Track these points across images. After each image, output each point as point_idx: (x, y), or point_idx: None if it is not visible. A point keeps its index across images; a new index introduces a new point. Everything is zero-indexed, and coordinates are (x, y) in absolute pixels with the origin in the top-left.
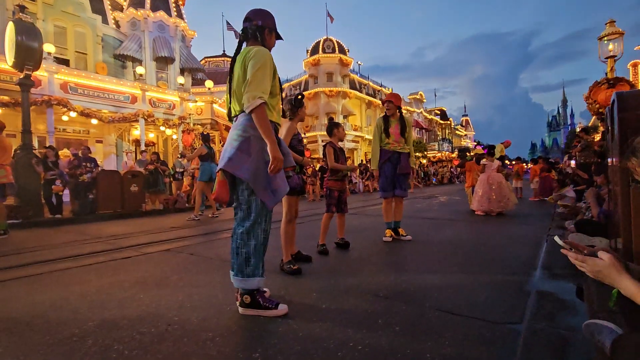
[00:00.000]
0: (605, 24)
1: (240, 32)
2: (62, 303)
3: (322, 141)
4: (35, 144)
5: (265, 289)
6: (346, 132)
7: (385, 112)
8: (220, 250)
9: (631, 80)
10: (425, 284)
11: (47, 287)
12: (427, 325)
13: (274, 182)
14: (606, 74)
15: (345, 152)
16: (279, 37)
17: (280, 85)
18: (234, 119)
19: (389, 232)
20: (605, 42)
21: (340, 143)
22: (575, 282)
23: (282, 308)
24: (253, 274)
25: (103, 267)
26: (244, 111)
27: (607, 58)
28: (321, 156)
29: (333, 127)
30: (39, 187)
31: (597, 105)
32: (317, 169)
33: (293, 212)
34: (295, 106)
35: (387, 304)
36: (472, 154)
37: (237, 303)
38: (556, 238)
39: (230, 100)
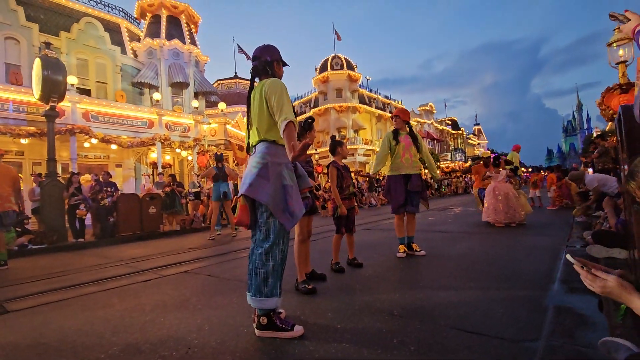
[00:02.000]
0: (614, 30)
1: (251, 70)
2: (88, 328)
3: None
4: (60, 170)
5: (281, 310)
6: (357, 146)
7: (394, 127)
8: (236, 271)
9: None
10: (441, 301)
11: (74, 312)
12: (442, 345)
13: (291, 204)
14: (618, 79)
15: (358, 166)
16: (285, 64)
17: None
18: (253, 149)
19: (402, 247)
20: (615, 47)
21: (351, 158)
22: (596, 295)
23: (298, 329)
24: (271, 293)
25: (125, 291)
26: (262, 140)
27: (617, 63)
28: None
29: (336, 146)
30: (63, 213)
31: (611, 112)
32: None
33: (305, 232)
34: (304, 129)
35: (402, 323)
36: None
37: (254, 325)
38: (568, 256)
39: (249, 133)
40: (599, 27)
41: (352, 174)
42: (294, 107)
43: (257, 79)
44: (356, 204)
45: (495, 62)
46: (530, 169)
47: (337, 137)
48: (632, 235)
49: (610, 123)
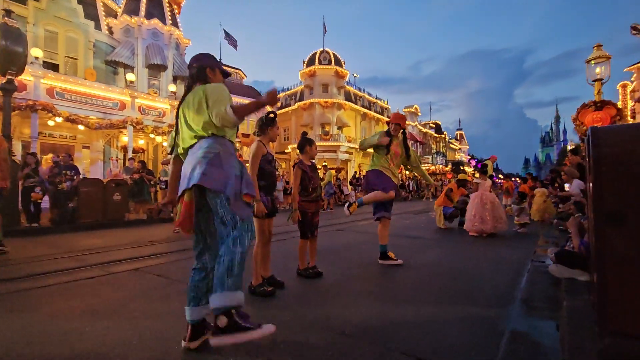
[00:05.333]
0: (593, 47)
1: (188, 77)
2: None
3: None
4: (20, 148)
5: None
6: (341, 143)
7: (389, 131)
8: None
9: (620, 100)
10: (395, 318)
11: None
12: None
13: (245, 192)
14: (594, 96)
15: (339, 163)
16: (225, 74)
17: None
18: (186, 152)
19: (354, 206)
20: (593, 64)
21: (333, 155)
22: (553, 317)
23: (268, 327)
24: (236, 286)
25: (60, 290)
26: (206, 137)
27: (594, 81)
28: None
29: (305, 144)
30: (17, 194)
31: (584, 128)
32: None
33: (267, 235)
34: (265, 124)
35: (350, 343)
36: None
37: (183, 344)
38: None
39: (177, 138)
40: (582, 43)
41: (333, 172)
42: (279, 99)
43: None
44: (324, 207)
45: (481, 69)
46: (501, 177)
47: (308, 134)
48: (594, 257)
49: (583, 138)
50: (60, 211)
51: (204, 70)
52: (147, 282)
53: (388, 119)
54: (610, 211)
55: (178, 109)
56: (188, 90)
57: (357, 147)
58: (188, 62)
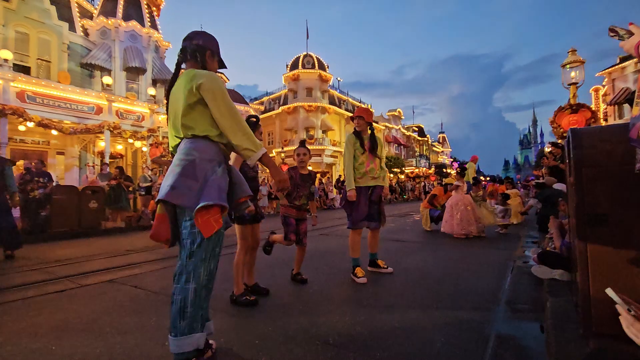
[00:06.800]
0: (568, 52)
1: (179, 52)
2: None
3: None
4: None
5: (211, 342)
6: (325, 147)
7: (355, 128)
8: (170, 281)
9: (593, 103)
10: (381, 325)
11: None
12: None
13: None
14: (569, 99)
15: (324, 167)
16: (222, 65)
17: None
18: (178, 148)
19: (360, 271)
20: (568, 69)
21: (318, 159)
22: (537, 319)
23: None
24: (190, 329)
25: (27, 305)
26: (188, 137)
27: (569, 84)
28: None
29: (294, 153)
30: None
31: (562, 130)
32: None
33: (250, 242)
34: None
35: (336, 354)
36: (446, 171)
37: (209, 353)
38: (608, 291)
39: (172, 129)
40: (557, 49)
41: (318, 175)
42: (262, 102)
43: (184, 66)
44: (312, 214)
45: (462, 73)
46: (488, 178)
47: (306, 140)
48: (575, 258)
49: (560, 140)
50: (31, 220)
51: (204, 53)
52: (122, 294)
53: (351, 116)
54: (592, 212)
55: (168, 94)
56: (177, 69)
57: (342, 151)
58: (186, 35)
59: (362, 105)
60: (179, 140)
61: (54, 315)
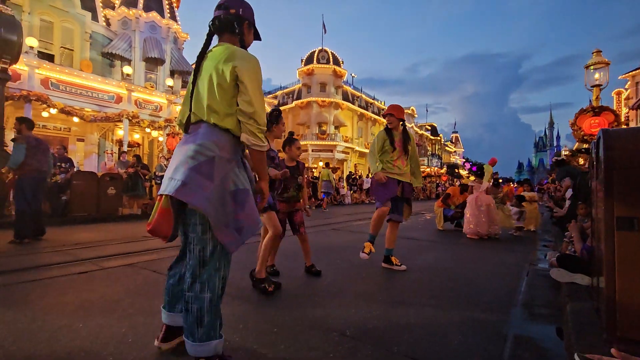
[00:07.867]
0: (592, 52)
1: (210, 23)
2: None
3: (312, 150)
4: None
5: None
6: (337, 142)
7: (387, 125)
8: None
9: (615, 107)
10: (397, 320)
11: None
12: None
13: (240, 217)
14: (591, 101)
15: (336, 163)
16: (257, 37)
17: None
18: (192, 127)
19: (368, 245)
20: (592, 70)
21: (330, 154)
22: (555, 323)
23: None
24: (208, 337)
25: (52, 284)
26: (211, 124)
27: (592, 86)
28: (317, 165)
29: (285, 145)
30: (5, 186)
31: (582, 133)
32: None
33: (280, 229)
34: (269, 121)
35: (353, 346)
36: (458, 172)
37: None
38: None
39: (192, 103)
40: (577, 50)
41: (329, 170)
42: (276, 96)
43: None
44: (306, 207)
45: (478, 73)
46: (501, 180)
47: (295, 134)
48: (596, 262)
49: (577, 143)
50: (52, 204)
51: (241, 23)
52: (143, 278)
53: (382, 114)
54: (621, 215)
55: (201, 61)
56: (208, 39)
57: (354, 147)
58: (220, 3)
59: (377, 103)
60: (196, 119)
61: (79, 294)
